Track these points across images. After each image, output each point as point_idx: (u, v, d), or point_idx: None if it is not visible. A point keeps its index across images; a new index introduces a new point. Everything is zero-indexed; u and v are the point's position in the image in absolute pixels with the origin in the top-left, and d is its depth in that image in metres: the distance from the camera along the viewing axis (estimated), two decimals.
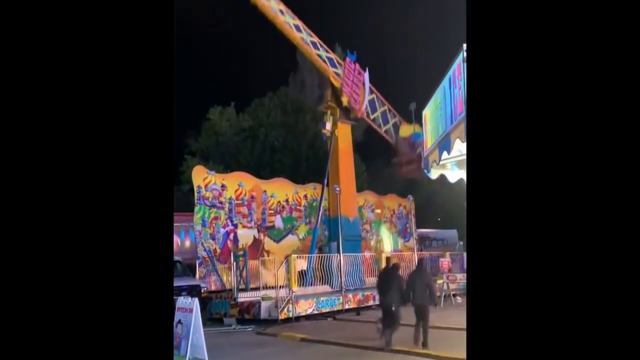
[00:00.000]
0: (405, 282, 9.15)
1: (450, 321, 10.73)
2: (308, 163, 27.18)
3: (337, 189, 17.02)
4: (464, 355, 7.56)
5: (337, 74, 19.59)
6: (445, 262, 17.21)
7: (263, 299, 13.81)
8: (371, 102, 21.07)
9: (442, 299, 16.12)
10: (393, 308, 8.91)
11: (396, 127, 22.12)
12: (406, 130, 22.27)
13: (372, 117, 21.15)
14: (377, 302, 10.13)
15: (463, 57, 4.96)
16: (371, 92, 20.92)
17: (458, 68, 5.05)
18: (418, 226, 25.43)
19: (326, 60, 19.55)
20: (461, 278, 16.38)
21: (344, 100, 19.30)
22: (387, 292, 9.08)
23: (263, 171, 24.47)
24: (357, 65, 20.04)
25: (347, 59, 19.96)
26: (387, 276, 9.46)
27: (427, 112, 6.65)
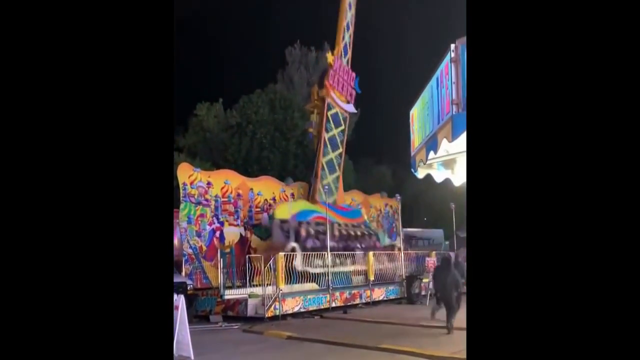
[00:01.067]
0: (434, 278, 11.06)
1: (437, 320, 10.81)
2: (296, 161, 27.15)
3: (326, 187, 17.02)
4: (450, 353, 7.63)
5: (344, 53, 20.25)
6: (431, 261, 17.31)
7: (250, 296, 13.78)
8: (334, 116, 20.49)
9: (428, 297, 16.23)
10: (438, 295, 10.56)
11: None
12: (283, 210, 17.16)
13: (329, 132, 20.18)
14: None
15: (451, 57, 4.99)
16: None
17: (446, 68, 5.08)
18: (404, 225, 25.51)
19: (345, 28, 20.34)
20: None
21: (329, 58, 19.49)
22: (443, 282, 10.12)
23: (251, 168, 24.39)
24: (354, 91, 20.45)
25: (353, 75, 20.47)
26: (442, 268, 10.68)
27: (415, 112, 6.68)
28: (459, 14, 2.94)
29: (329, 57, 19.82)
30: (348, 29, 20.65)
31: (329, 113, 19.95)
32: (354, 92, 20.63)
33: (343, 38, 20.45)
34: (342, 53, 20.47)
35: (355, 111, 21.03)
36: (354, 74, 20.73)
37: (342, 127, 20.76)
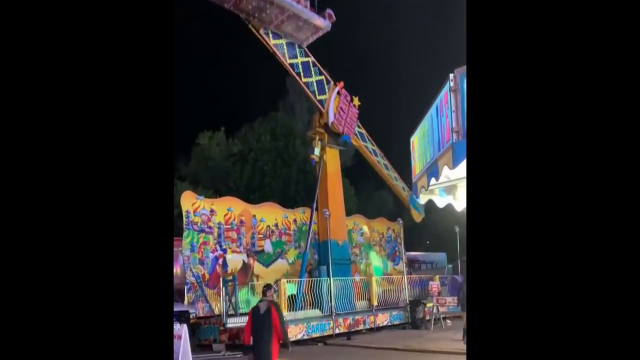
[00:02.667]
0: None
1: (441, 344, 10.74)
2: (298, 187, 27.27)
3: (327, 213, 17.06)
4: None
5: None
6: (434, 285, 17.24)
7: None
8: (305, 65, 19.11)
9: (433, 322, 16.11)
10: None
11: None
12: None
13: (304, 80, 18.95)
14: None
15: (450, 86, 5.12)
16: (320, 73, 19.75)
17: (445, 97, 5.21)
18: (407, 249, 25.42)
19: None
20: (451, 301, 16.40)
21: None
22: None
23: (253, 195, 24.49)
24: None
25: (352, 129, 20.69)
26: None
27: (415, 140, 6.80)
28: (457, 44, 3.03)
29: (355, 101, 20.26)
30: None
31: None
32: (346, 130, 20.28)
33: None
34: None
35: (344, 147, 20.94)
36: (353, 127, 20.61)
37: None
